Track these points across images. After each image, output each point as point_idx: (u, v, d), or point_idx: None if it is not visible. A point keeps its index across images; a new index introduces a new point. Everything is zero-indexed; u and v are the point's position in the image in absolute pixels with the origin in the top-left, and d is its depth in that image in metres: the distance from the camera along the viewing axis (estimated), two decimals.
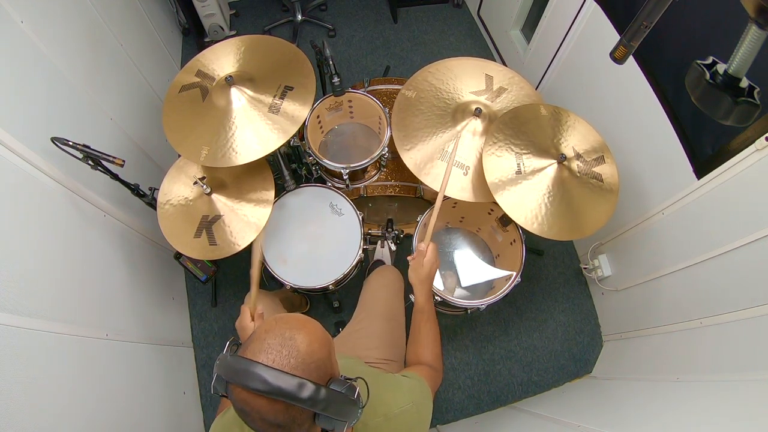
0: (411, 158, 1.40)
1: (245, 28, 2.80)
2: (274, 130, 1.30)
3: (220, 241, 1.36)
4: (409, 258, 1.15)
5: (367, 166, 1.54)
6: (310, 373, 0.63)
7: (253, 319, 1.06)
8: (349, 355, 1.17)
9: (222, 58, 1.43)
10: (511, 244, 1.58)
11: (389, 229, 1.82)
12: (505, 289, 1.45)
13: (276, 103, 1.33)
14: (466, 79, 1.51)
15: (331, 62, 1.47)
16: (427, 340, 1.08)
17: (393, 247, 1.92)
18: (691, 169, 1.35)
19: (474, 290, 1.67)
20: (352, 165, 1.49)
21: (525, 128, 1.38)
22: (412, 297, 1.52)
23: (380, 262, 1.91)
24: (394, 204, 1.88)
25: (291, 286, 1.46)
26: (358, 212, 1.55)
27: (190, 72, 1.42)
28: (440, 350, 1.10)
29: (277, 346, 0.62)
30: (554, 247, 2.20)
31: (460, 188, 1.38)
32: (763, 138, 1.09)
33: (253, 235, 1.36)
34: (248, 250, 1.39)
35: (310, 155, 1.53)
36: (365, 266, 1.93)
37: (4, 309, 0.96)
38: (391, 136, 1.44)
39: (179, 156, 1.45)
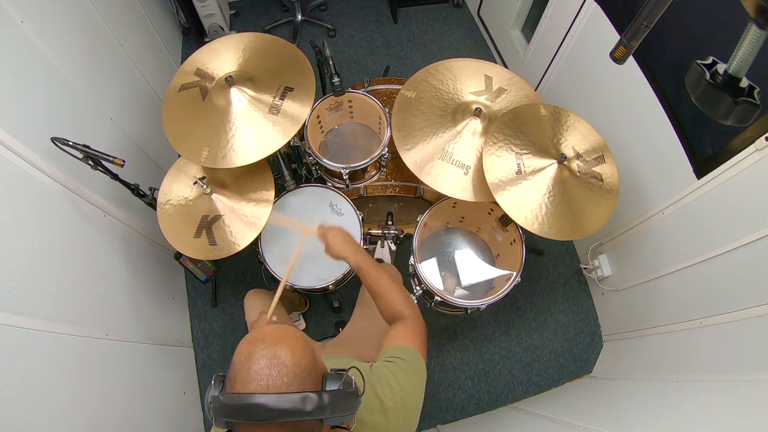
0: (411, 158, 1.40)
1: (245, 28, 2.80)
2: (274, 130, 1.30)
3: (220, 241, 1.36)
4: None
5: (367, 166, 1.54)
6: (305, 382, 0.61)
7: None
8: (338, 354, 1.17)
9: (222, 57, 1.42)
10: (511, 244, 1.58)
11: (389, 229, 1.82)
12: (505, 289, 1.45)
13: (276, 104, 1.33)
14: (465, 79, 1.51)
15: (331, 62, 1.47)
16: (387, 288, 1.01)
17: (393, 247, 1.92)
18: (691, 169, 1.35)
19: (474, 290, 1.67)
20: (352, 165, 1.49)
21: (525, 128, 1.37)
22: (411, 297, 1.52)
23: (379, 262, 1.91)
24: (395, 204, 1.88)
25: (291, 287, 1.46)
26: (358, 212, 1.55)
27: (189, 70, 1.41)
28: (405, 293, 1.03)
29: (265, 370, 0.60)
30: (554, 247, 2.20)
31: (461, 188, 1.38)
32: (763, 138, 1.09)
33: (254, 234, 1.36)
34: (248, 250, 1.39)
35: (310, 155, 1.53)
36: None
37: (4, 309, 0.96)
38: (391, 136, 1.44)
39: (179, 156, 1.45)
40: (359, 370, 0.70)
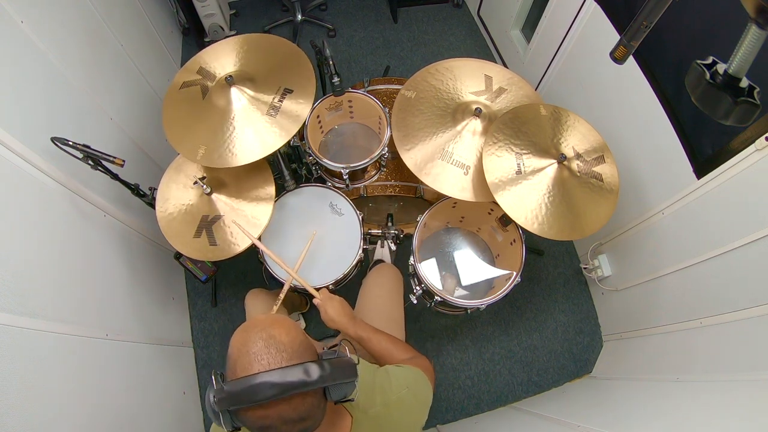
0: (411, 158, 1.40)
1: (245, 28, 2.80)
2: (272, 132, 1.30)
3: (220, 242, 1.36)
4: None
5: (367, 166, 1.54)
6: (303, 357, 0.64)
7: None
8: None
9: (223, 57, 1.42)
10: (511, 243, 1.58)
11: (389, 229, 1.82)
12: (505, 288, 1.45)
13: (276, 105, 1.33)
14: (465, 79, 1.51)
15: (331, 62, 1.47)
16: (391, 346, 1.06)
17: (393, 247, 1.92)
18: (691, 168, 1.35)
19: (474, 290, 1.67)
20: (352, 165, 1.49)
21: (525, 128, 1.37)
22: (411, 297, 1.52)
23: (380, 262, 1.91)
24: (395, 204, 1.88)
25: (291, 286, 1.46)
26: (358, 212, 1.55)
27: (191, 69, 1.42)
28: (402, 343, 1.09)
29: (264, 350, 0.62)
30: (554, 247, 2.20)
31: (461, 188, 1.38)
32: (763, 138, 1.09)
33: (255, 234, 1.36)
34: (248, 250, 1.39)
35: (310, 155, 1.53)
36: (365, 266, 1.93)
37: (4, 309, 0.96)
38: (391, 136, 1.44)
39: (179, 155, 1.45)
40: (351, 342, 0.74)
